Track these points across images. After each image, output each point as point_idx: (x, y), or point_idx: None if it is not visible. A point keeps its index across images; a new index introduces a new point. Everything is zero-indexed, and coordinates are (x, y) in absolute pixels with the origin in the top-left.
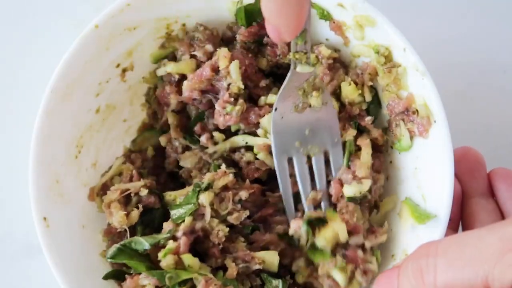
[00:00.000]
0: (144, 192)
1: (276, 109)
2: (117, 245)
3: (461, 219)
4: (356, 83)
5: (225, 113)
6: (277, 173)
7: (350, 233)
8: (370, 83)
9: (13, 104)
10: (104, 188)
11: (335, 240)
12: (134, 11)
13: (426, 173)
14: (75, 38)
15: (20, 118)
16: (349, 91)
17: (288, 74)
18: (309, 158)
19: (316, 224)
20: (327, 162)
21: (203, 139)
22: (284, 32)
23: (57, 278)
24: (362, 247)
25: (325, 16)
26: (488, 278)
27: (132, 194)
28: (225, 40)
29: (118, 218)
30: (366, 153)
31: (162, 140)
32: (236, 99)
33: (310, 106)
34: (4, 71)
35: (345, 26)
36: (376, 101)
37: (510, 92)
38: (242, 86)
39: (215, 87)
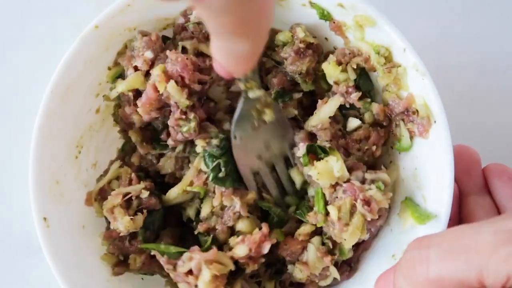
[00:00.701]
0: (145, 194)
1: (235, 137)
2: None
3: (459, 217)
4: (340, 63)
5: (181, 131)
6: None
7: (351, 169)
8: (354, 66)
9: (14, 104)
10: (101, 193)
11: (329, 175)
12: (134, 11)
13: (426, 173)
14: (75, 38)
15: (20, 118)
16: (330, 70)
17: (240, 102)
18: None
19: (316, 152)
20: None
21: (170, 142)
22: (235, 74)
23: (57, 278)
24: (362, 181)
25: (325, 16)
26: (482, 271)
27: (133, 197)
28: (175, 32)
29: (125, 223)
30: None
31: (135, 160)
32: (186, 113)
33: (265, 122)
34: (4, 71)
35: (345, 26)
36: (366, 78)
37: (510, 92)
38: (187, 102)
39: (166, 102)
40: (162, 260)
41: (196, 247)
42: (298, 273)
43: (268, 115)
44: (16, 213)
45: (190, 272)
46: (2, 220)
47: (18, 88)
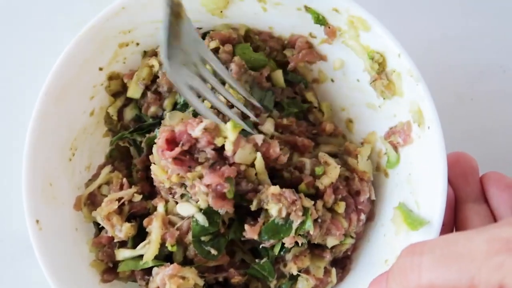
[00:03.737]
0: (137, 198)
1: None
2: None
3: (454, 224)
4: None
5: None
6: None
7: None
8: None
9: (13, 104)
10: (91, 197)
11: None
12: (129, 14)
13: (420, 179)
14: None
15: (20, 118)
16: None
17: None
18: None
19: None
20: None
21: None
22: None
23: (48, 280)
24: None
25: (320, 21)
26: (474, 279)
27: (125, 202)
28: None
29: (125, 231)
30: None
31: (128, 113)
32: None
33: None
34: (3, 71)
35: (340, 31)
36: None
37: (510, 92)
38: None
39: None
40: (138, 276)
41: (167, 264)
42: (304, 284)
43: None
44: (16, 213)
45: None
46: (2, 220)
47: (17, 88)
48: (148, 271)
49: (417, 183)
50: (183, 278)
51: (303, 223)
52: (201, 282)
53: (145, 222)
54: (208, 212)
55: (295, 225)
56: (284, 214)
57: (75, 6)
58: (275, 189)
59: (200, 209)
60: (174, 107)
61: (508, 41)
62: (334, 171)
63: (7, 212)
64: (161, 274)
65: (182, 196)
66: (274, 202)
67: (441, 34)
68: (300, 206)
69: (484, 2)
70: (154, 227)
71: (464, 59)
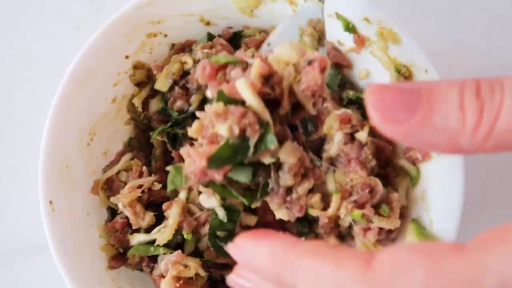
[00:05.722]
0: (157, 186)
1: (269, 44)
2: None
3: None
4: None
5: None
6: None
7: None
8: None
9: (14, 105)
10: (108, 182)
11: None
12: (160, 4)
13: (435, 196)
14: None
15: (20, 119)
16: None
17: (296, 9)
18: None
19: None
20: None
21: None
22: None
23: (56, 261)
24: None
25: (350, 29)
26: None
27: (145, 190)
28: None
29: (148, 219)
30: None
31: (154, 104)
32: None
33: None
34: (5, 71)
35: (369, 41)
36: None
37: None
38: None
39: None
40: (144, 262)
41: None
42: None
43: (308, 39)
44: (17, 213)
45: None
46: (3, 220)
47: (20, 89)
48: (154, 259)
49: (432, 200)
50: (186, 266)
51: (262, 138)
52: (203, 273)
53: (164, 205)
54: (229, 209)
55: (252, 142)
56: (236, 131)
57: (76, 7)
58: (218, 106)
59: (222, 205)
60: (202, 102)
61: (509, 40)
62: (393, 223)
63: (7, 212)
64: (165, 260)
65: None
66: (221, 121)
67: (441, 32)
68: (253, 118)
69: (486, 2)
70: (173, 212)
71: (465, 60)
